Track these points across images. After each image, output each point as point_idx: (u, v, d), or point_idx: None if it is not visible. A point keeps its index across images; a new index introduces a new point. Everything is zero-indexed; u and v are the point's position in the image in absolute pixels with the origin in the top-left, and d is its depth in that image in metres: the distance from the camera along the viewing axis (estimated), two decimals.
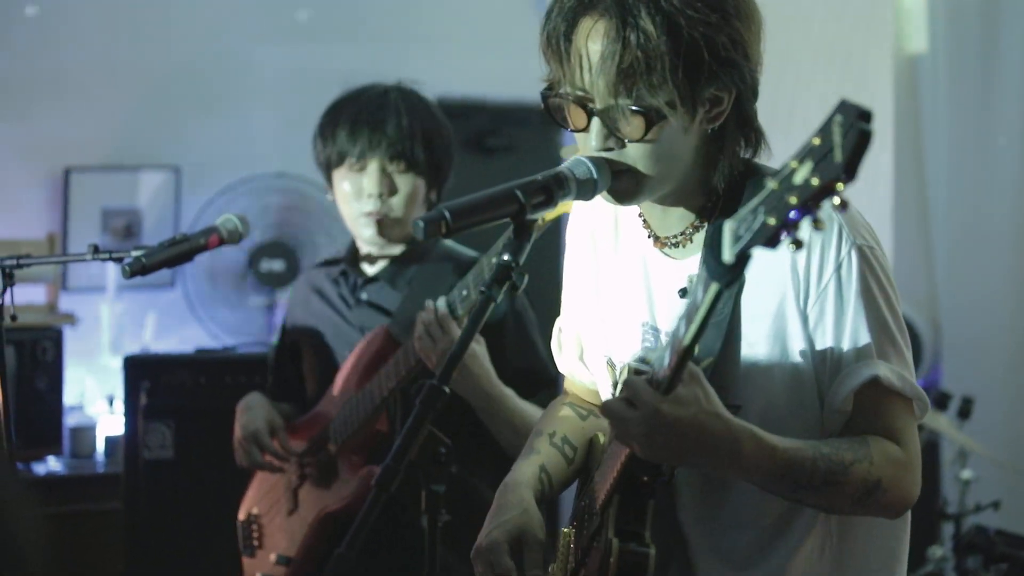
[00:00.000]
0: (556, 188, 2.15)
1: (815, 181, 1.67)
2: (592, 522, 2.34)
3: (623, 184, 2.23)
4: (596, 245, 2.52)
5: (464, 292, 3.21)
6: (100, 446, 5.71)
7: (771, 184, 1.73)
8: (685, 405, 2.01)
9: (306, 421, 3.70)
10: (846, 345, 2.20)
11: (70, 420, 5.72)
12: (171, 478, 5.01)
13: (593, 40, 2.18)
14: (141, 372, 5.09)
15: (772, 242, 1.73)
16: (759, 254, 1.76)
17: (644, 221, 2.40)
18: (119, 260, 3.08)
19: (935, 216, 7.45)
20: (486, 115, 6.94)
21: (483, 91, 6.68)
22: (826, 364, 2.22)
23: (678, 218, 2.34)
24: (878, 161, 6.96)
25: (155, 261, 3.07)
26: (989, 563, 4.94)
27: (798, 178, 1.70)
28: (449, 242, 3.60)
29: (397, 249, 3.63)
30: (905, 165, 7.37)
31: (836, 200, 1.68)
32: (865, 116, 1.65)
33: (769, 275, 2.22)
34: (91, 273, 5.95)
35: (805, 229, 1.71)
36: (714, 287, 1.84)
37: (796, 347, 2.23)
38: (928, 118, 7.41)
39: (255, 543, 3.77)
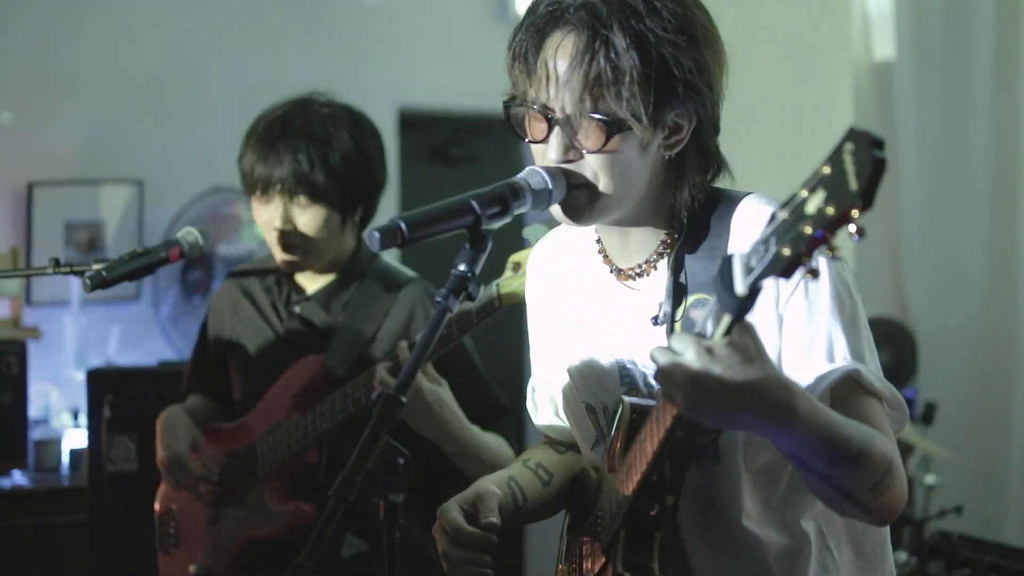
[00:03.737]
0: (511, 198, 2.16)
1: (830, 210, 1.65)
2: (596, 558, 2.32)
3: (578, 198, 2.23)
4: (556, 296, 2.52)
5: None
6: (65, 459, 5.69)
7: (781, 214, 1.72)
8: (739, 348, 1.85)
9: (230, 430, 3.65)
10: (819, 345, 2.15)
11: (35, 434, 5.72)
12: (135, 491, 4.98)
13: (562, 53, 2.19)
14: (104, 385, 5.08)
15: (788, 272, 1.71)
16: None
17: (604, 256, 2.40)
18: (80, 274, 3.08)
19: (902, 223, 7.50)
20: (449, 125, 6.95)
21: (446, 101, 6.70)
22: (797, 364, 2.16)
23: (639, 243, 2.33)
24: None
25: (116, 275, 3.07)
26: (952, 568, 4.97)
27: (810, 207, 1.68)
28: (386, 260, 3.56)
29: (329, 276, 3.56)
30: None
31: (852, 228, 1.65)
32: (879, 144, 1.62)
33: None
34: (55, 287, 5.94)
35: (820, 259, 1.69)
36: (726, 319, 1.82)
37: (774, 357, 2.16)
38: (899, 125, 7.46)
39: (172, 541, 3.75)
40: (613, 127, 2.17)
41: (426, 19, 6.83)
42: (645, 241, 2.33)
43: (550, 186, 2.20)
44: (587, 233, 2.45)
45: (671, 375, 1.85)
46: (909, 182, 7.50)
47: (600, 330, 2.40)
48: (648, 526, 2.21)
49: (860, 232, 1.65)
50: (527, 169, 2.23)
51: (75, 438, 5.71)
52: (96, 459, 5.05)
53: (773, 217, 1.73)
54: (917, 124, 7.45)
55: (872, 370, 2.16)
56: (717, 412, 1.89)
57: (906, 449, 6.31)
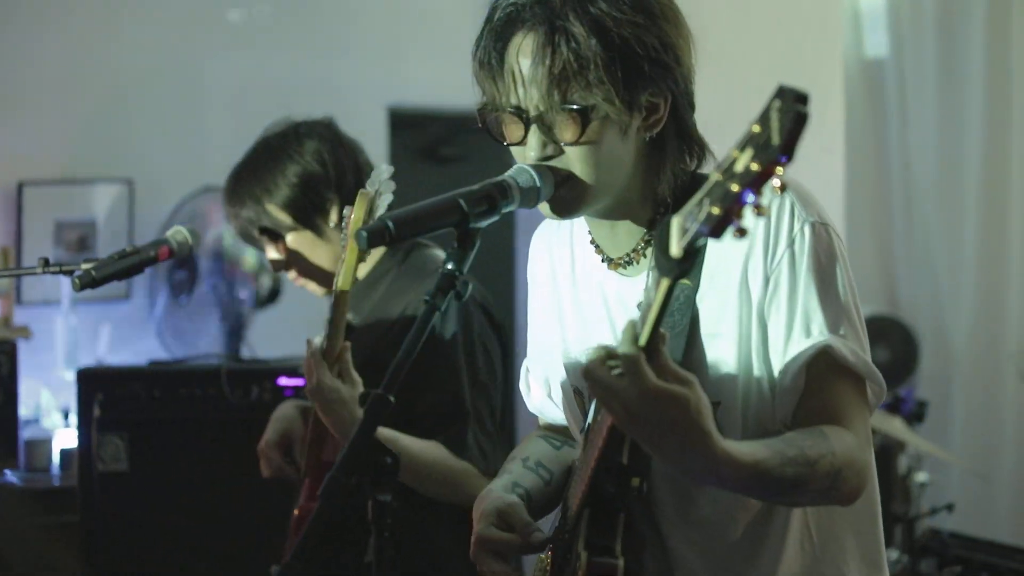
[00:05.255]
0: (499, 196, 2.15)
1: (755, 166, 1.67)
2: (564, 540, 2.32)
3: (564, 192, 2.23)
4: (556, 281, 2.53)
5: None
6: (56, 459, 5.68)
7: (715, 175, 1.73)
8: (681, 382, 1.89)
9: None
10: (798, 320, 2.17)
11: (25, 433, 5.69)
12: (125, 490, 4.98)
13: (524, 54, 2.20)
14: (94, 385, 5.07)
15: (717, 231, 1.72)
16: (716, 247, 1.76)
17: (596, 246, 2.41)
18: (69, 273, 3.06)
19: (894, 220, 7.50)
20: (440, 124, 6.94)
21: (436, 100, 6.68)
22: (779, 339, 2.19)
23: (626, 233, 2.35)
24: (830, 164, 7.02)
25: (105, 274, 3.05)
26: (943, 566, 4.98)
27: (739, 166, 1.70)
28: (429, 248, 3.54)
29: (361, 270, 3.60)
30: (859, 168, 7.43)
31: (776, 183, 1.68)
32: (801, 98, 1.65)
33: (724, 268, 2.22)
34: (45, 286, 5.92)
35: (749, 217, 1.70)
36: (665, 282, 1.83)
37: (755, 332, 2.21)
38: (890, 121, 7.46)
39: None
40: (586, 116, 2.17)
41: (416, 17, 6.81)
42: (632, 230, 2.34)
43: (538, 183, 2.20)
44: (580, 221, 2.46)
45: (612, 395, 1.91)
46: (900, 179, 7.52)
47: (593, 318, 2.42)
48: (610, 506, 2.19)
49: (783, 188, 1.68)
50: (515, 167, 2.24)
51: (65, 438, 5.69)
52: (86, 459, 5.03)
53: (710, 179, 1.75)
54: (908, 121, 7.47)
55: (848, 343, 2.18)
56: (648, 429, 1.92)
57: (897, 446, 6.32)
